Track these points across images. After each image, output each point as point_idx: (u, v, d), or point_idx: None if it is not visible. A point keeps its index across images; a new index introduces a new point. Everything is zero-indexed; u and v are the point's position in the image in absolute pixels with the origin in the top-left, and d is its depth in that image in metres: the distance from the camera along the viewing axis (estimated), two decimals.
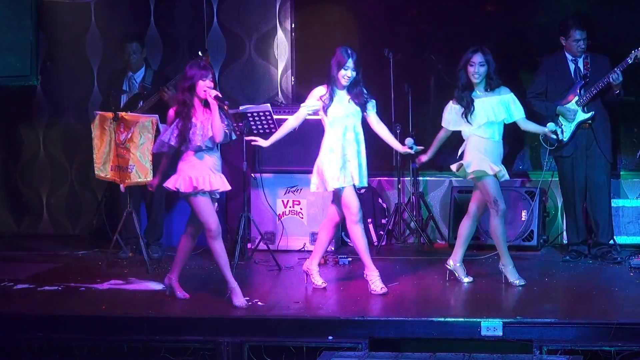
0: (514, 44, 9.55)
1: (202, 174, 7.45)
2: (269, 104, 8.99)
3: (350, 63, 7.69)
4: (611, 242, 9.01)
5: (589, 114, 8.72)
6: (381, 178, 10.01)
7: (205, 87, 7.41)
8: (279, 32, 10.10)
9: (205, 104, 7.46)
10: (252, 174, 9.40)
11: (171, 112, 7.52)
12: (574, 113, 8.69)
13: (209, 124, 7.42)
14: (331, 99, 7.77)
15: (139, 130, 8.69)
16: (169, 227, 9.68)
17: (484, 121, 7.83)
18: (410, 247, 9.70)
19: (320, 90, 7.82)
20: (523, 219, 9.30)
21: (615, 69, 8.54)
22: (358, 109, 7.79)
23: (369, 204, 9.90)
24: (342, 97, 7.78)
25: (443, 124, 8.02)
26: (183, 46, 9.89)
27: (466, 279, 8.08)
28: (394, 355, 6.49)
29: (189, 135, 7.39)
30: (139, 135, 8.69)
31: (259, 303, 7.57)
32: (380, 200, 9.97)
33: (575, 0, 9.50)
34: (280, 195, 9.51)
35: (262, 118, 8.80)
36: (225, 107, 7.46)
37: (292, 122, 7.89)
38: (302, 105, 7.89)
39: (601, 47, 9.02)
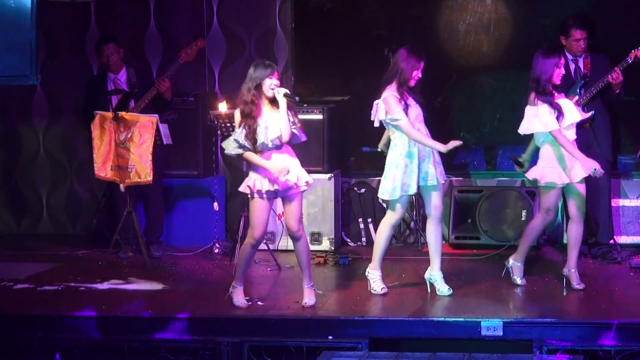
0: (514, 43, 9.53)
1: (267, 175, 7.28)
2: None
3: (423, 64, 7.53)
4: (611, 242, 9.02)
5: (589, 114, 8.71)
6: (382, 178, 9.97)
7: (273, 85, 7.24)
8: (279, 31, 10.08)
9: (270, 102, 7.28)
10: None
11: (237, 113, 7.31)
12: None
13: (275, 123, 7.22)
14: (406, 103, 7.56)
15: (139, 130, 8.68)
16: (169, 227, 9.67)
17: (577, 118, 7.76)
18: (410, 247, 9.69)
19: (395, 94, 7.52)
20: (523, 218, 9.28)
21: (616, 68, 8.53)
22: (420, 109, 7.63)
23: (370, 203, 9.90)
24: (411, 99, 7.61)
25: (550, 128, 7.62)
26: (183, 46, 9.86)
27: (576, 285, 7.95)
28: (394, 355, 6.49)
29: (256, 135, 7.21)
30: (139, 135, 8.68)
31: (259, 303, 7.57)
32: (380, 200, 9.94)
33: (575, 0, 9.49)
34: None
35: None
36: (296, 103, 7.30)
37: (417, 135, 7.49)
38: (399, 119, 7.47)
39: (601, 47, 9.01)
